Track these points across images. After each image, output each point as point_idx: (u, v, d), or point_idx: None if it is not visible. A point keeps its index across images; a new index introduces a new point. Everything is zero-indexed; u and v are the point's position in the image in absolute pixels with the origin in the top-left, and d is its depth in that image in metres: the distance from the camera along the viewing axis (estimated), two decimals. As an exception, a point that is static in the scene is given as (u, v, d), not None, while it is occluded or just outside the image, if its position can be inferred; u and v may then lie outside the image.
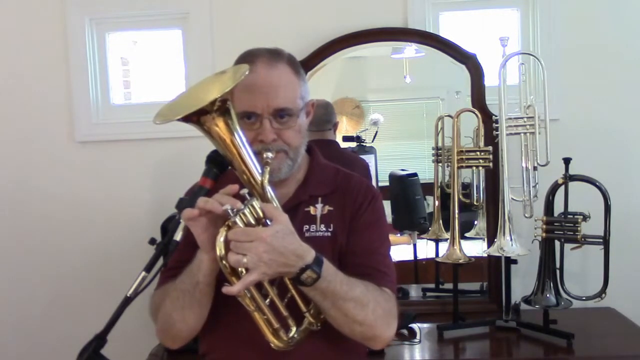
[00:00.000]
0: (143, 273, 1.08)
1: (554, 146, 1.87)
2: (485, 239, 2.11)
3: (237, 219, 1.07)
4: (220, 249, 1.08)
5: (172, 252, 1.11)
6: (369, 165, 2.22)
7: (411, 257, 2.28)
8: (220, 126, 1.14)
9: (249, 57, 1.29)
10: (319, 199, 1.35)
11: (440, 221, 2.17)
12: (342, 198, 1.36)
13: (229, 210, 1.07)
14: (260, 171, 1.17)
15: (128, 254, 2.17)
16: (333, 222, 1.32)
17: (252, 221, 1.08)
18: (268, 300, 1.15)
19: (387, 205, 2.25)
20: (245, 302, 1.12)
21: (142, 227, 2.18)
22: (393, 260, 1.37)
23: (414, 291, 2.25)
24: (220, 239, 1.08)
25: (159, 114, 1.14)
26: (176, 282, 1.23)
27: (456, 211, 1.93)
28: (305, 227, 1.32)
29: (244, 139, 1.17)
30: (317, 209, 1.34)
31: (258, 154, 1.21)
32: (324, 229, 1.32)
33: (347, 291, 1.17)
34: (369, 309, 1.19)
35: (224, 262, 1.09)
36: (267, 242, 1.06)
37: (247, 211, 1.08)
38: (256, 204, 1.10)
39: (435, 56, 2.13)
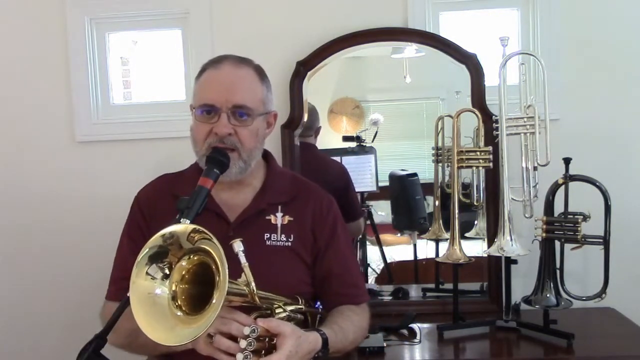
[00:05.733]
0: (143, 273, 1.08)
1: (554, 146, 1.87)
2: (485, 239, 2.11)
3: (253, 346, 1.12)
4: None
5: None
6: (351, 167, 2.23)
7: (411, 257, 2.27)
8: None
9: (217, 59, 1.35)
10: (279, 207, 1.39)
11: (440, 221, 2.17)
12: (302, 208, 1.41)
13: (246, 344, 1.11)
14: (242, 290, 1.12)
15: (128, 254, 2.16)
16: (293, 232, 1.38)
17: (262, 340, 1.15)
18: None
19: (387, 205, 2.28)
20: None
21: (142, 227, 2.17)
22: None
23: (414, 291, 2.24)
24: None
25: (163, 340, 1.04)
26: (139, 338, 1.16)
27: (456, 211, 1.93)
28: (267, 235, 1.36)
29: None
30: (278, 219, 1.38)
31: (212, 150, 1.27)
32: (285, 239, 1.37)
33: (343, 340, 1.31)
34: (359, 339, 1.43)
35: None
36: None
37: (255, 336, 1.12)
38: (260, 324, 1.13)
39: (435, 56, 2.13)
